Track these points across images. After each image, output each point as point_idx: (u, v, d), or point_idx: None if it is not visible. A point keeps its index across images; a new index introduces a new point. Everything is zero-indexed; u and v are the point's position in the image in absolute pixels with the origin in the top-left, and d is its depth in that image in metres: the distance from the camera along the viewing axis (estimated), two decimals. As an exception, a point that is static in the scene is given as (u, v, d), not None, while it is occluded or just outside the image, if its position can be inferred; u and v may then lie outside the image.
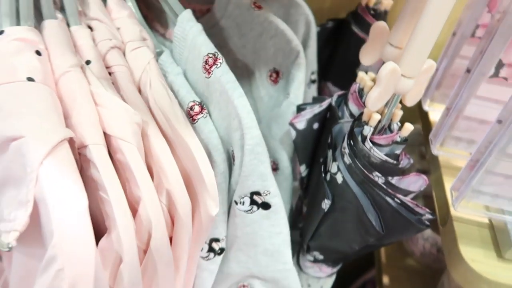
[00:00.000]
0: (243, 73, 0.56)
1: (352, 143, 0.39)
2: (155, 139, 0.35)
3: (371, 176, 0.38)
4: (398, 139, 0.38)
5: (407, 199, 0.38)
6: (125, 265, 0.29)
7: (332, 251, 0.48)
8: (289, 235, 0.42)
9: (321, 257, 0.50)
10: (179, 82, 0.42)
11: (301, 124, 0.46)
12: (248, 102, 0.37)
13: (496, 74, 0.38)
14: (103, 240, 0.30)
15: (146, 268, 0.32)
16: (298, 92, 0.50)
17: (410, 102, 0.37)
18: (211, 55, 0.39)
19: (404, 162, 0.40)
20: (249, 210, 0.39)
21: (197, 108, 0.40)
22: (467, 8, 0.43)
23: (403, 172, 0.41)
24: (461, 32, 0.44)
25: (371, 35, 0.39)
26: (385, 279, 0.63)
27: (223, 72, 0.38)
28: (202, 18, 0.53)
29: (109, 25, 0.41)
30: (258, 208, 0.39)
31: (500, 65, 0.37)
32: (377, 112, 0.38)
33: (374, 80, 0.41)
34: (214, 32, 0.54)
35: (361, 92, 0.42)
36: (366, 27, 0.59)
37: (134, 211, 0.31)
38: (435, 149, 0.45)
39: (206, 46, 0.40)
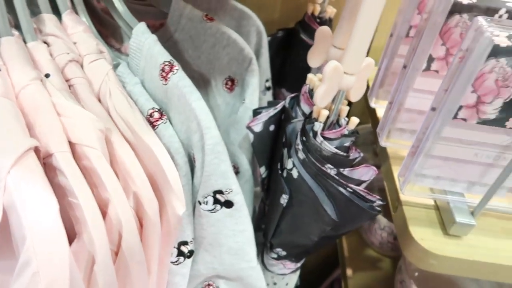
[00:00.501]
0: (200, 83, 0.58)
1: (304, 139, 0.41)
2: (119, 144, 0.36)
3: (323, 168, 0.41)
4: (346, 132, 0.41)
5: (359, 188, 0.41)
6: (98, 265, 0.30)
7: (293, 246, 0.50)
8: (253, 233, 0.44)
9: (284, 253, 0.52)
10: (138, 91, 0.43)
11: (257, 127, 0.49)
12: (206, 105, 0.39)
13: (428, 68, 0.42)
14: (74, 244, 0.31)
15: (119, 268, 0.33)
16: (253, 97, 0.53)
17: (354, 97, 0.41)
18: (167, 63, 0.41)
19: (355, 155, 0.43)
20: (213, 209, 0.41)
21: (156, 115, 0.42)
22: (400, 12, 0.48)
23: (354, 165, 0.44)
24: (397, 33, 0.48)
25: (316, 39, 0.43)
26: (349, 272, 0.66)
27: (180, 78, 0.40)
28: (156, 33, 0.55)
29: (65, 40, 0.42)
30: (221, 207, 0.41)
31: (430, 59, 0.41)
32: (325, 108, 0.41)
33: (321, 80, 0.45)
34: (169, 45, 0.56)
35: (311, 93, 0.46)
36: (313, 34, 0.62)
37: (103, 214, 0.32)
38: (382, 142, 0.48)
39: (162, 55, 0.42)
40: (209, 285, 0.48)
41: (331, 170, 0.41)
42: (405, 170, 0.43)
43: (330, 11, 0.62)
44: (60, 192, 0.31)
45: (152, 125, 0.41)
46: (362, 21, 0.35)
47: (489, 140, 0.38)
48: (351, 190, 0.41)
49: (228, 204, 0.41)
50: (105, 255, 0.31)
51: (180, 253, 0.44)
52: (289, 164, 0.43)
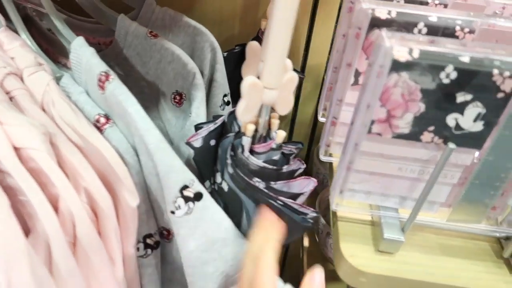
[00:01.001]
0: (151, 98, 0.59)
1: (232, 154, 0.41)
2: (65, 146, 0.37)
3: (251, 182, 0.40)
4: (274, 146, 0.41)
5: (289, 201, 0.41)
6: (55, 253, 0.31)
7: None
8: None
9: None
10: (83, 100, 0.44)
11: (197, 142, 0.49)
12: (142, 109, 0.40)
13: (356, 82, 0.42)
14: (29, 238, 0.32)
15: (78, 258, 0.34)
16: (199, 111, 0.53)
17: (281, 111, 0.41)
18: (103, 73, 0.41)
19: (291, 167, 0.43)
20: (188, 210, 0.40)
21: (103, 120, 0.43)
22: (339, 25, 0.48)
23: (295, 176, 0.43)
24: (336, 48, 0.48)
25: (247, 54, 0.43)
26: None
27: (115, 86, 0.41)
28: (107, 50, 0.56)
29: (1, 55, 0.43)
30: (194, 203, 0.40)
31: (357, 73, 0.41)
32: (253, 123, 0.41)
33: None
34: (118, 62, 0.57)
35: (246, 107, 0.46)
36: (267, 50, 0.63)
37: (55, 210, 0.33)
38: (322, 155, 0.48)
39: (98, 66, 0.43)
40: None
41: (259, 183, 0.41)
42: (335, 185, 0.43)
43: (283, 27, 0.62)
44: (10, 193, 0.33)
45: (99, 129, 0.42)
46: (273, 36, 0.35)
47: (410, 154, 0.38)
48: (281, 203, 0.41)
49: (198, 196, 0.41)
50: (61, 244, 0.32)
51: (147, 246, 0.44)
52: (218, 178, 0.43)
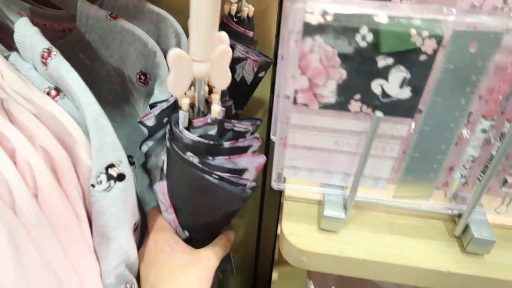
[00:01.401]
0: (118, 81, 0.59)
1: (169, 128, 0.41)
2: (17, 109, 0.38)
3: (185, 156, 0.40)
4: (209, 121, 0.40)
5: (227, 174, 0.40)
6: (20, 202, 0.33)
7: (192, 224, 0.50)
8: (135, 205, 0.44)
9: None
10: (32, 75, 0.45)
11: (150, 121, 0.49)
12: (83, 82, 0.40)
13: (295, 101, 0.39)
14: None
15: (43, 209, 0.35)
16: (162, 89, 0.53)
17: (217, 84, 0.39)
18: (45, 50, 0.42)
19: (241, 144, 0.42)
20: (108, 188, 0.41)
21: (53, 92, 0.43)
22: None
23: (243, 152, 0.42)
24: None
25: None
26: (274, 276, 0.64)
27: (57, 61, 0.41)
28: (70, 36, 0.57)
29: None
30: (115, 182, 0.41)
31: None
32: (191, 97, 0.40)
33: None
34: (82, 47, 0.57)
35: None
36: (233, 34, 0.62)
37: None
38: (274, 182, 0.44)
39: (41, 43, 0.43)
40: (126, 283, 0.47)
41: (193, 158, 0.40)
42: (276, 163, 0.41)
43: (248, 10, 0.61)
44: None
45: None
46: (195, 7, 0.34)
47: (343, 126, 0.36)
48: (217, 177, 0.40)
49: (121, 177, 0.41)
50: (25, 193, 0.33)
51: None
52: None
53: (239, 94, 0.66)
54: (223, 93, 0.46)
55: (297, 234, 0.40)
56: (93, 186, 0.40)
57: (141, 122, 0.49)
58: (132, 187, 0.43)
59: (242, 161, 0.42)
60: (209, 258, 0.44)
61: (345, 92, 0.33)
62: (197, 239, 0.48)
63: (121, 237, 0.43)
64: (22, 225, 0.34)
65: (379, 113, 0.33)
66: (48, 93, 0.43)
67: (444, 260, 0.39)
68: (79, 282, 0.40)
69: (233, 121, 0.45)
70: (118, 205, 0.42)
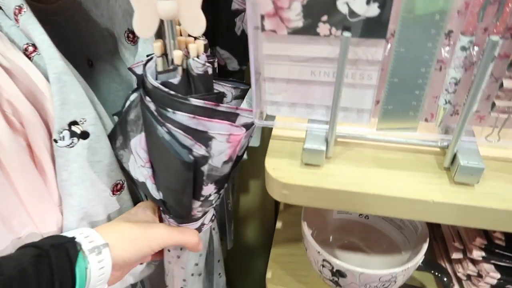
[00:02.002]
0: (111, 40, 0.60)
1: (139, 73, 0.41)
2: None
3: (144, 100, 0.39)
4: (171, 67, 0.40)
5: (179, 131, 0.38)
6: None
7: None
8: (110, 164, 0.45)
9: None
10: (13, 32, 0.46)
11: (139, 69, 0.49)
12: (48, 38, 0.41)
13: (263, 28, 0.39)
14: None
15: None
16: (145, 46, 0.54)
17: (191, 30, 0.38)
18: (17, 7, 0.43)
19: (228, 110, 0.40)
20: (70, 144, 0.42)
21: (30, 48, 0.44)
22: None
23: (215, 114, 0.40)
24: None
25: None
26: (278, 225, 0.65)
27: (25, 18, 0.42)
28: None
29: None
30: (78, 140, 0.42)
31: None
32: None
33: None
34: (77, 7, 0.58)
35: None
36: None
37: None
38: (256, 119, 0.42)
39: (15, 0, 0.44)
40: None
41: (150, 104, 0.39)
42: (258, 100, 0.41)
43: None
44: None
45: (28, 57, 0.44)
46: None
47: (315, 53, 0.35)
48: (166, 130, 0.38)
49: (85, 135, 0.42)
50: None
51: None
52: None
53: (241, 49, 0.65)
54: (206, 47, 0.44)
55: (279, 168, 0.40)
56: (55, 141, 0.41)
57: (130, 69, 0.50)
58: (103, 147, 0.44)
59: (212, 125, 0.39)
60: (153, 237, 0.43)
61: (311, 14, 0.32)
62: (171, 208, 0.46)
63: (81, 194, 0.44)
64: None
65: (347, 33, 0.32)
66: (26, 49, 0.44)
67: (430, 191, 0.38)
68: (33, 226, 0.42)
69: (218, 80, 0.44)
70: (81, 162, 0.43)
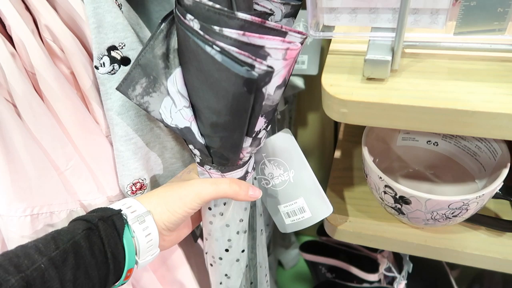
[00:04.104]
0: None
1: None
2: None
3: (185, 20, 0.33)
4: None
5: (233, 48, 0.32)
6: (9, 77, 0.36)
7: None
8: None
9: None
10: None
11: None
12: None
13: None
14: None
15: (43, 90, 0.38)
16: None
17: None
18: None
19: (272, 24, 0.33)
20: (112, 71, 0.40)
21: None
22: None
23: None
24: None
25: None
26: (337, 154, 0.61)
27: None
28: None
29: None
30: (120, 66, 0.40)
31: None
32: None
33: None
34: None
35: None
36: None
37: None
38: (312, 31, 0.38)
39: None
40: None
41: (193, 22, 0.33)
42: (313, 8, 0.37)
43: None
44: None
45: None
46: None
47: None
48: (218, 49, 0.32)
49: (126, 60, 0.40)
50: (12, 69, 0.36)
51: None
52: None
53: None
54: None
55: (338, 84, 0.36)
56: (96, 68, 0.39)
57: None
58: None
59: (265, 42, 0.33)
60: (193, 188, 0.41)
61: None
62: (215, 153, 0.41)
63: (127, 124, 0.42)
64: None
65: None
66: None
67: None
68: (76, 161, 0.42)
69: None
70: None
